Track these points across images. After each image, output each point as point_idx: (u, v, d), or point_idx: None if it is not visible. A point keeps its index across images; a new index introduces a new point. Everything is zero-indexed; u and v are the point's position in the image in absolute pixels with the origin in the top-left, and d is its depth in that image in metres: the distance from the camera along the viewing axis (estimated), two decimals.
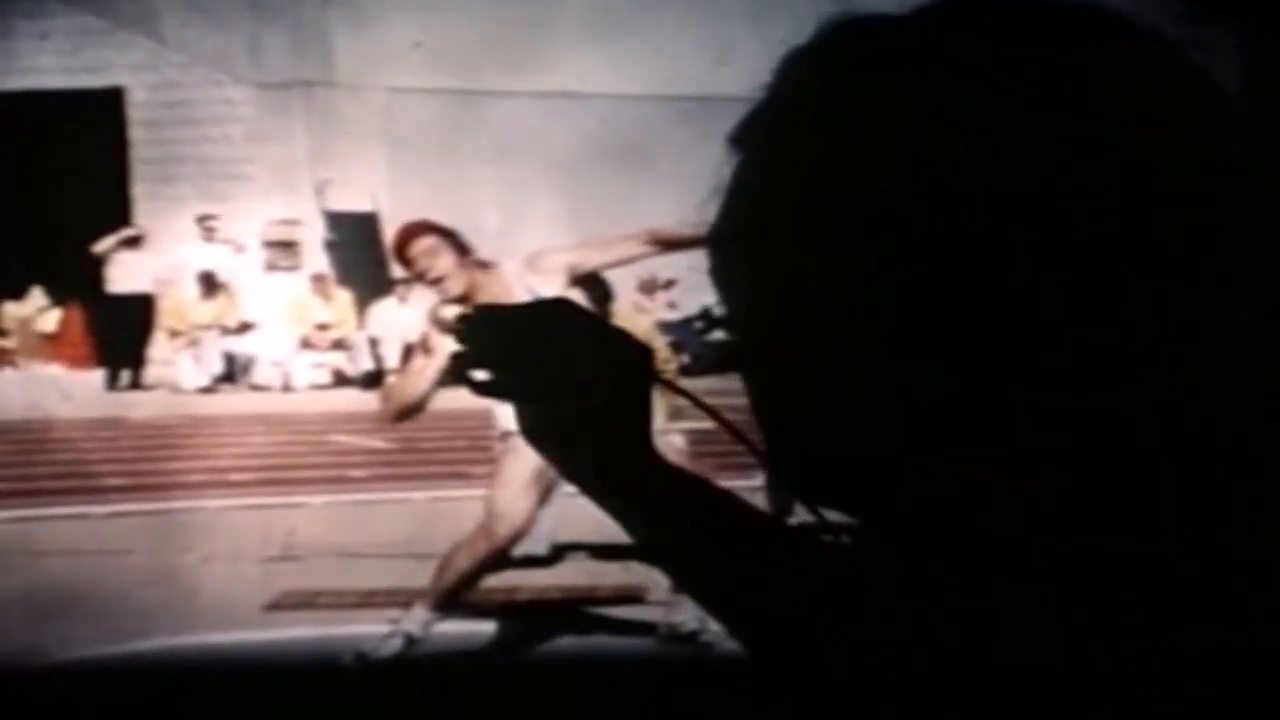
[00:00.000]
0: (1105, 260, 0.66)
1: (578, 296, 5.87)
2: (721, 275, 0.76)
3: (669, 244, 6.19)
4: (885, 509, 0.74)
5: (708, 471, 6.55)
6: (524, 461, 5.79)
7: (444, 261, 5.77)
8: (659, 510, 0.98)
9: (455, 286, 5.76)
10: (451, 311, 5.76)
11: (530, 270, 5.86)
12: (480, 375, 0.99)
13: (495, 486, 5.91)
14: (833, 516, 0.81)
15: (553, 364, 0.97)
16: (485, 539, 5.86)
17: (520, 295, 5.80)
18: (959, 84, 0.68)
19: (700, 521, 0.99)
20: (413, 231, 5.89)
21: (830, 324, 0.70)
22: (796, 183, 0.71)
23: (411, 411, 5.88)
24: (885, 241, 0.68)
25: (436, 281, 5.79)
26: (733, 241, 0.75)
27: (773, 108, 0.73)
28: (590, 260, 6.00)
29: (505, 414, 5.91)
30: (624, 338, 0.99)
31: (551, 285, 5.78)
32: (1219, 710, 0.64)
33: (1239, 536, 0.67)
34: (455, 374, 1.01)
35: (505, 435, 5.89)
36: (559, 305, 1.01)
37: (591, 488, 0.99)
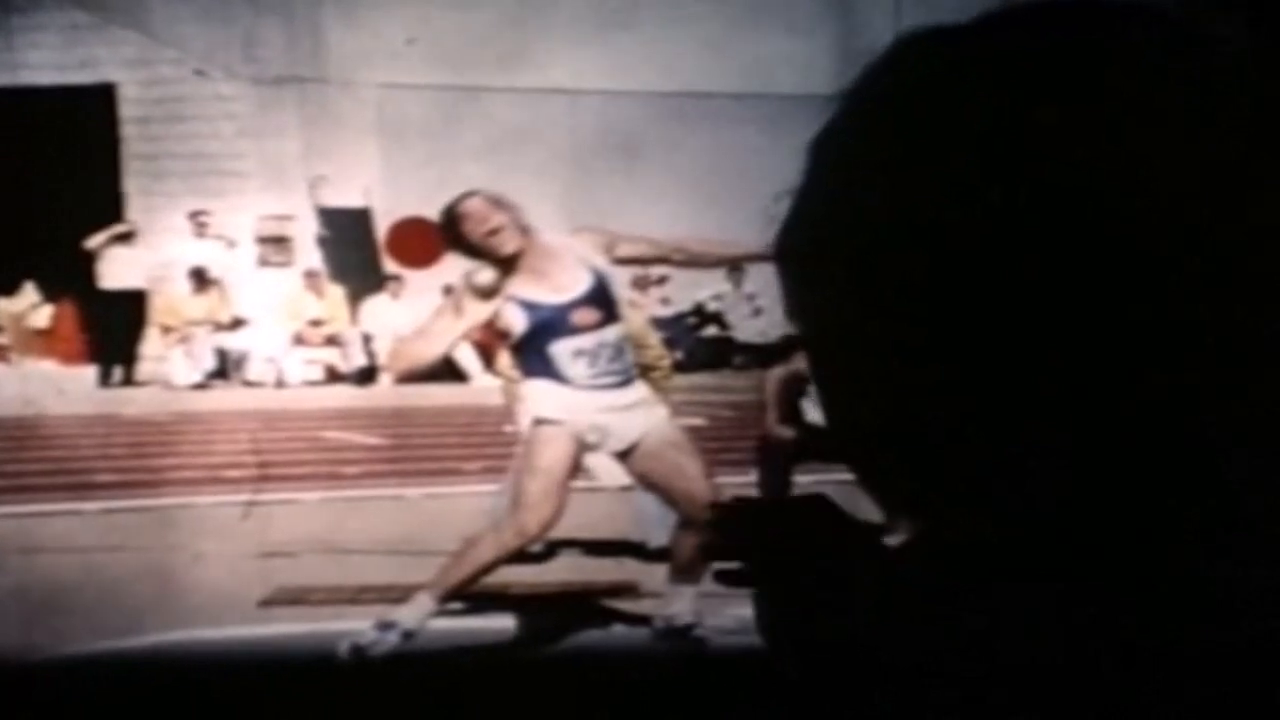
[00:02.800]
0: (1106, 258, 0.66)
1: (620, 274, 5.88)
2: (787, 281, 0.75)
3: (694, 260, 6.24)
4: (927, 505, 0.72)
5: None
6: (559, 450, 5.66)
7: (499, 216, 5.75)
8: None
9: (510, 241, 5.71)
10: (488, 276, 5.67)
11: (575, 240, 5.87)
12: (729, 566, 0.96)
13: (526, 476, 5.70)
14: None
15: (805, 562, 0.94)
16: (515, 531, 5.67)
17: (568, 260, 5.78)
18: (1026, 87, 0.67)
19: None
20: (460, 198, 5.85)
21: (890, 326, 0.69)
22: (872, 192, 0.70)
23: (417, 373, 5.80)
24: (953, 247, 0.67)
25: (494, 232, 5.71)
26: (803, 247, 0.74)
27: (851, 118, 0.73)
28: (625, 248, 5.96)
29: (534, 400, 5.80)
30: (878, 538, 0.94)
31: (596, 258, 5.78)
32: (1219, 710, 0.64)
33: (1239, 536, 0.67)
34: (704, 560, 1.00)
35: (539, 422, 5.73)
36: (815, 502, 0.98)
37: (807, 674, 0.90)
